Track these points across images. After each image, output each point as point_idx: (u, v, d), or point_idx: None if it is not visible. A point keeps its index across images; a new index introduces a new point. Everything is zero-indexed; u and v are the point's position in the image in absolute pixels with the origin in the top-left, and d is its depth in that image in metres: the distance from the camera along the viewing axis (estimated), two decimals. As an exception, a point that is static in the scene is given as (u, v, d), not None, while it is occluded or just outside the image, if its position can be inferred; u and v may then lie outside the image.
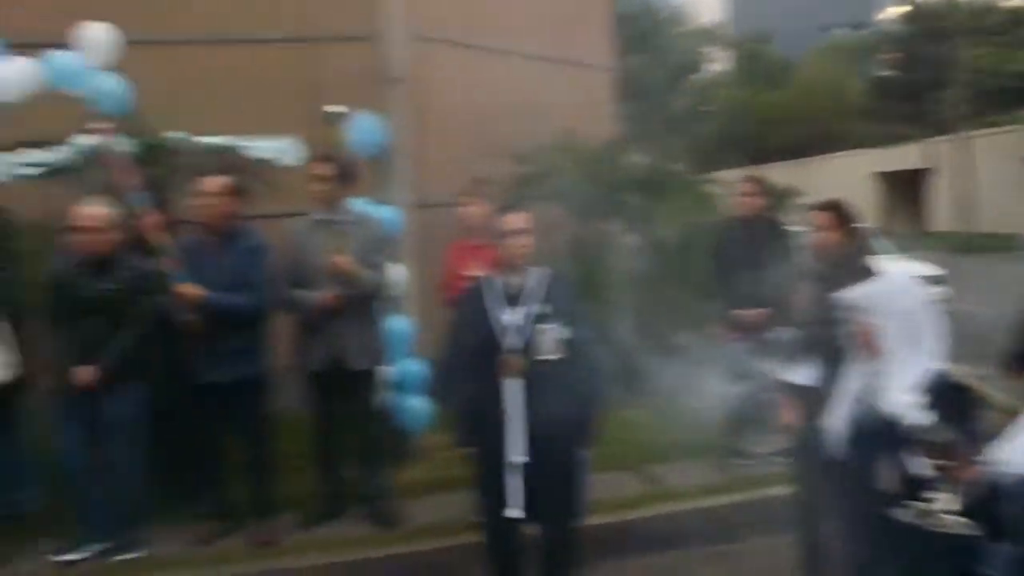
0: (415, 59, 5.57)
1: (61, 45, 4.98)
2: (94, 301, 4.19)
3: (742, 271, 5.15)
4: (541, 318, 3.59)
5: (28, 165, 4.91)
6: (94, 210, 4.24)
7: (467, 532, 4.32)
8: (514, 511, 3.55)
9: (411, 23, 5.58)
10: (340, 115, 4.55)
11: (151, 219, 4.22)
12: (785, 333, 4.06)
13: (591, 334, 3.74)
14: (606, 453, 4.44)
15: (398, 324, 5.15)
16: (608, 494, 4.78)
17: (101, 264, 4.25)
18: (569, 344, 3.60)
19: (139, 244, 4.56)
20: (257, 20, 6.51)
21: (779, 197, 7.93)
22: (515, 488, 3.55)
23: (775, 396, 3.99)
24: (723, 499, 4.95)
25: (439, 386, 4.43)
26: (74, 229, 4.23)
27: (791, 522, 3.92)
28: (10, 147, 4.97)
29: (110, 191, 4.48)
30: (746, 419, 5.22)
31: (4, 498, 4.54)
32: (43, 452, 4.57)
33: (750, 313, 5.13)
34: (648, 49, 26.17)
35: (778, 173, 18.68)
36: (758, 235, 5.33)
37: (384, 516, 4.65)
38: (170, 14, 6.40)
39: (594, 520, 4.14)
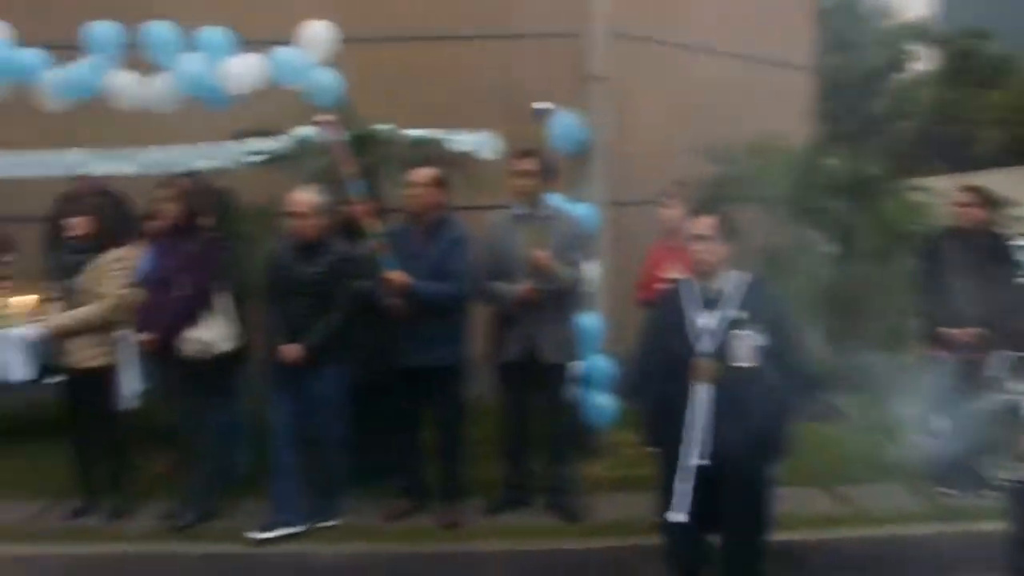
0: (615, 56, 5.55)
1: (284, 42, 5.36)
2: (302, 283, 4.43)
3: (955, 287, 4.80)
4: (737, 324, 3.51)
5: (252, 153, 5.30)
6: (304, 197, 4.48)
7: (650, 533, 4.29)
8: (679, 516, 3.51)
9: (613, 21, 5.57)
10: (546, 111, 4.61)
11: (365, 206, 4.43)
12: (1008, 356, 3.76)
13: (790, 344, 3.60)
14: (796, 468, 4.28)
15: (589, 321, 5.16)
16: (796, 510, 4.60)
17: (310, 248, 4.48)
18: (765, 352, 3.49)
19: (351, 229, 4.82)
20: (462, 18, 6.70)
21: (997, 207, 7.32)
22: (684, 493, 3.50)
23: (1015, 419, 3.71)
24: (924, 528, 4.63)
25: (629, 385, 4.40)
26: (288, 214, 4.50)
27: (1002, 561, 3.63)
28: (236, 137, 5.39)
29: (329, 178, 4.76)
30: (985, 442, 4.82)
31: (220, 460, 4.93)
32: (257, 421, 4.92)
33: (961, 332, 4.78)
34: (850, 47, 24.86)
35: (990, 180, 17.25)
36: (977, 249, 4.94)
37: (569, 509, 4.69)
38: (381, 13, 6.70)
39: (779, 535, 3.99)
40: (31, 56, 5.35)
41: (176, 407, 4.80)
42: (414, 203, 4.49)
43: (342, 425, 4.60)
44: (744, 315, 3.54)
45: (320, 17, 5.34)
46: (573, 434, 5.03)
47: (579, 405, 5.20)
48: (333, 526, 4.59)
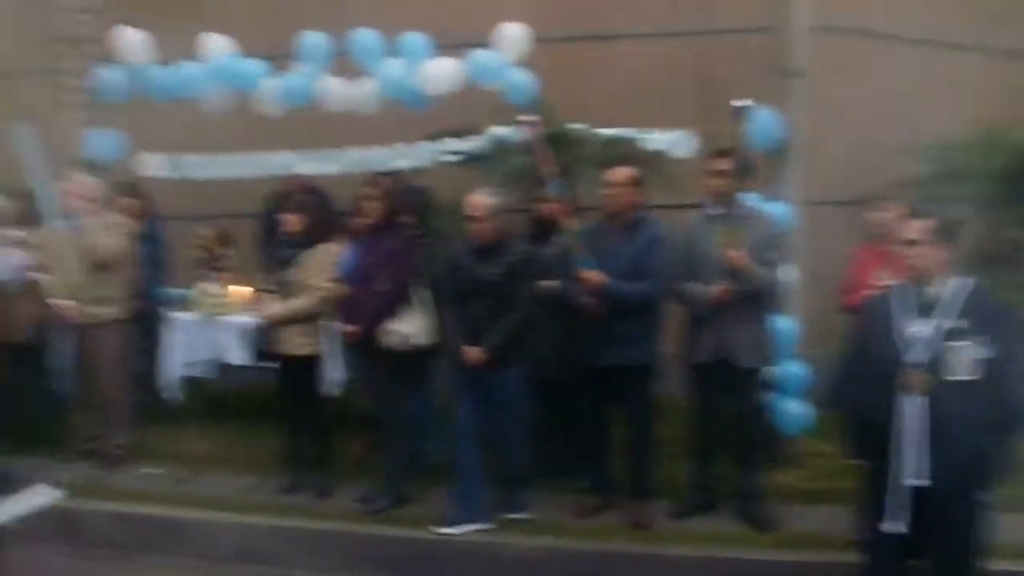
0: (815, 50, 5.33)
1: (481, 45, 5.50)
2: (481, 285, 4.49)
3: None
4: (954, 333, 3.27)
5: (449, 153, 5.47)
6: (479, 200, 4.52)
7: (846, 549, 4.09)
8: (897, 526, 3.33)
9: (813, 12, 5.35)
10: (746, 108, 4.50)
11: (563, 205, 4.48)
12: None
13: (1015, 357, 3.32)
14: (1014, 493, 3.95)
15: (783, 324, 5.00)
16: (1014, 538, 4.26)
17: (488, 250, 4.53)
18: (986, 365, 3.24)
19: (545, 228, 4.89)
20: (657, 15, 6.62)
21: None
22: (900, 506, 3.31)
23: None
24: None
25: (832, 393, 4.22)
26: (467, 217, 4.58)
27: None
28: (434, 136, 5.59)
29: (524, 177, 4.85)
30: None
31: (413, 448, 5.14)
32: (448, 412, 5.09)
33: None
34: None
35: None
36: None
37: (760, 518, 4.56)
38: (575, 12, 6.73)
39: (994, 565, 3.70)
40: (251, 66, 5.78)
41: (374, 396, 5.04)
42: (611, 202, 4.50)
43: (524, 423, 4.67)
44: (963, 324, 3.29)
45: (514, 19, 5.45)
46: (763, 440, 4.88)
47: (771, 411, 5.05)
48: (521, 520, 4.67)
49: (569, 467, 4.98)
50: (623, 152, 5.11)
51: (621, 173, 4.50)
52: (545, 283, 4.77)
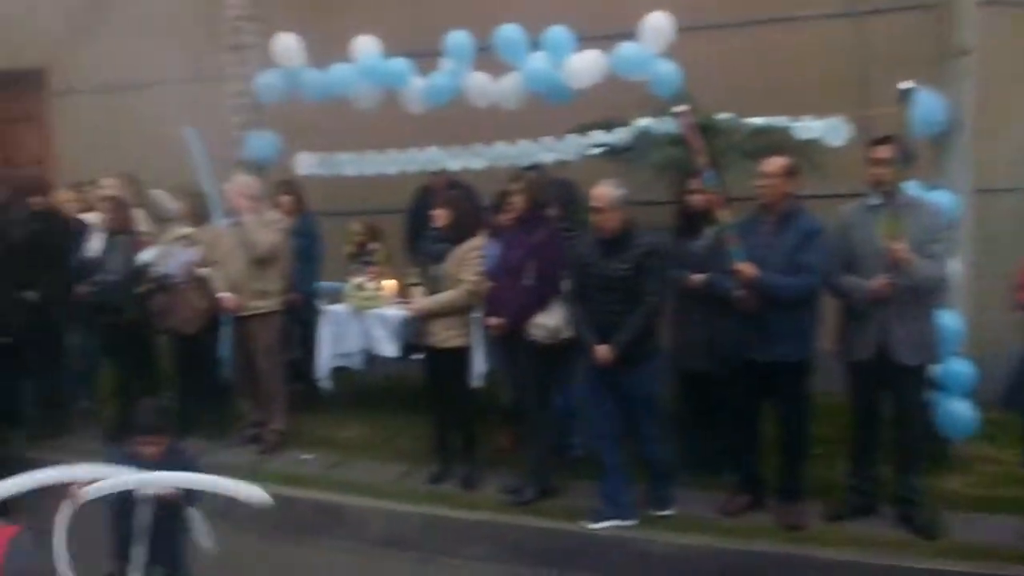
0: (983, 26, 5.00)
1: (625, 36, 5.45)
2: (608, 279, 4.41)
3: None
4: None
5: (594, 146, 5.45)
6: (603, 191, 4.43)
7: (1017, 562, 3.85)
8: None
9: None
10: (911, 91, 4.26)
11: (716, 197, 4.38)
12: None
13: None
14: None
15: (948, 320, 4.72)
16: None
17: (614, 243, 4.44)
18: None
19: (694, 221, 4.80)
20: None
21: None
22: None
23: None
24: None
25: (1008, 394, 3.98)
26: (592, 209, 4.51)
27: None
28: (579, 129, 5.57)
29: (677, 169, 4.76)
30: None
31: (558, 441, 5.17)
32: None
33: None
34: None
35: None
36: None
37: (922, 524, 4.32)
38: (718, -1, 6.58)
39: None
40: (398, 65, 5.94)
41: (519, 388, 5.09)
42: (765, 193, 4.35)
43: (660, 418, 4.59)
44: None
45: (658, 8, 5.37)
46: (926, 443, 4.63)
47: (934, 411, 4.79)
48: (667, 516, 4.62)
49: (717, 463, 4.89)
50: (773, 141, 4.95)
51: (775, 163, 4.35)
52: (696, 276, 4.68)
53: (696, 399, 4.98)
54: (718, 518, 4.59)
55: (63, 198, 6.73)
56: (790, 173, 4.35)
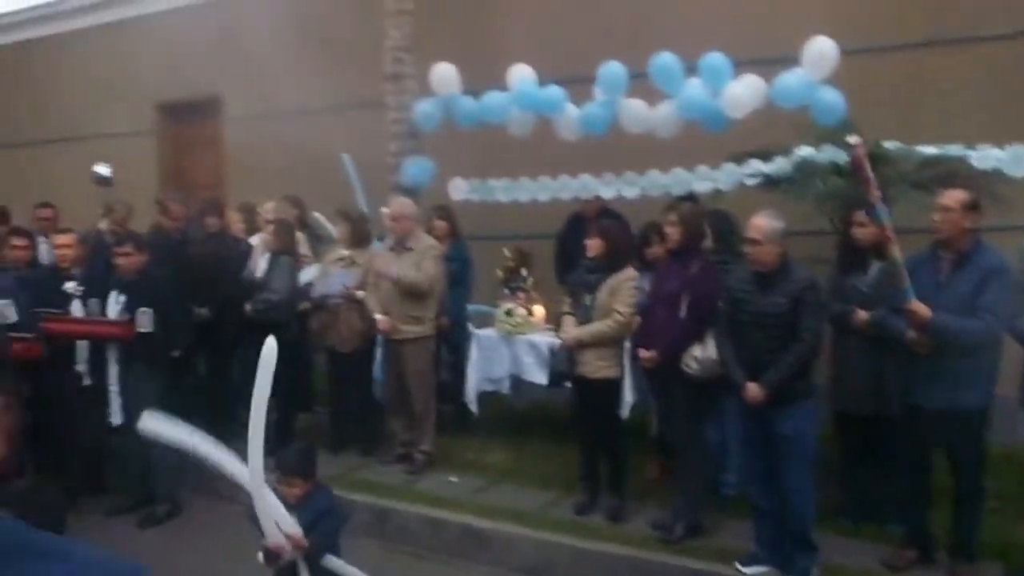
0: None
1: (786, 60, 5.28)
2: (762, 314, 4.24)
3: None
4: None
5: (752, 175, 5.30)
6: (761, 222, 4.25)
7: None
8: None
9: None
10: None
11: (886, 232, 4.16)
12: None
13: None
14: None
15: None
16: None
17: (770, 277, 4.26)
18: None
19: (859, 256, 4.59)
20: (986, 14, 6.01)
21: None
22: None
23: None
24: None
25: None
26: (748, 241, 4.33)
27: None
28: (735, 158, 5.44)
29: (841, 201, 4.57)
30: None
31: (709, 477, 5.02)
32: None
33: None
34: None
35: None
36: None
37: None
38: (888, 18, 6.29)
39: None
40: (552, 92, 5.99)
41: (670, 422, 4.99)
42: (942, 228, 4.09)
43: (809, 465, 4.33)
44: None
45: (820, 30, 5.18)
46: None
47: None
48: (818, 566, 4.38)
49: (882, 512, 4.63)
50: (947, 171, 4.67)
51: (955, 196, 4.08)
52: (861, 313, 4.47)
53: (857, 442, 4.74)
54: (883, 572, 4.33)
55: (232, 219, 7.13)
56: (970, 207, 4.06)
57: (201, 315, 6.28)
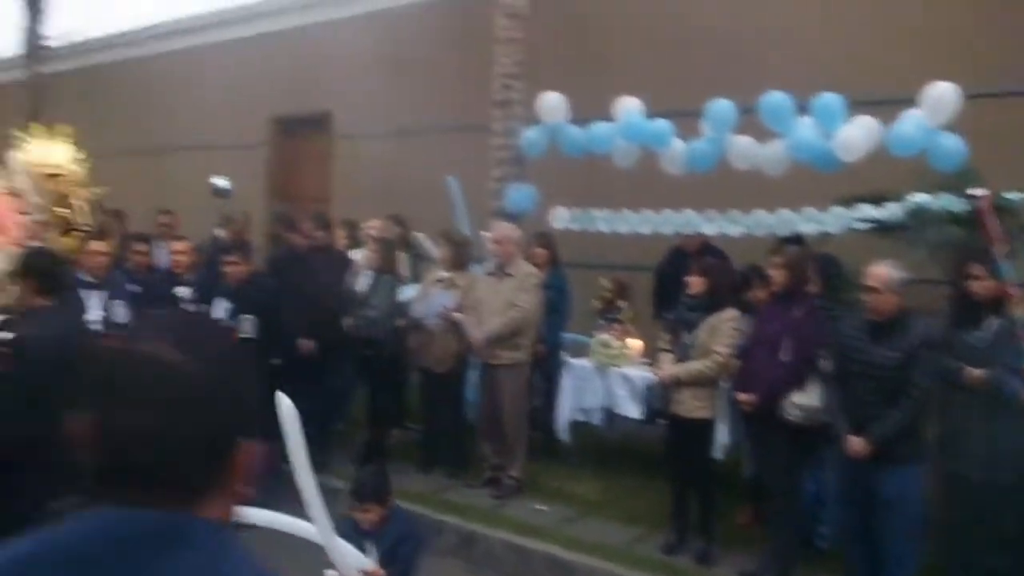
0: None
1: (903, 102, 5.14)
2: (873, 366, 4.12)
3: None
4: None
5: (861, 220, 5.16)
6: (883, 270, 4.17)
7: None
8: None
9: None
10: None
11: (1005, 285, 4.01)
12: None
13: None
14: None
15: None
16: None
17: (885, 327, 4.14)
18: None
19: (975, 310, 4.43)
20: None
21: None
22: None
23: None
24: None
25: None
26: (866, 289, 4.24)
27: None
28: (844, 201, 5.31)
29: (957, 251, 4.43)
30: None
31: (804, 528, 4.90)
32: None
33: None
34: None
35: None
36: None
37: None
38: (1013, 61, 6.06)
39: None
40: (659, 125, 5.98)
41: (767, 467, 4.89)
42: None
43: (913, 534, 4.19)
44: None
45: (940, 72, 5.03)
46: None
47: None
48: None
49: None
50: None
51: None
52: (976, 371, 4.30)
53: (969, 509, 4.53)
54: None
55: (336, 234, 7.33)
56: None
57: (304, 345, 6.26)
